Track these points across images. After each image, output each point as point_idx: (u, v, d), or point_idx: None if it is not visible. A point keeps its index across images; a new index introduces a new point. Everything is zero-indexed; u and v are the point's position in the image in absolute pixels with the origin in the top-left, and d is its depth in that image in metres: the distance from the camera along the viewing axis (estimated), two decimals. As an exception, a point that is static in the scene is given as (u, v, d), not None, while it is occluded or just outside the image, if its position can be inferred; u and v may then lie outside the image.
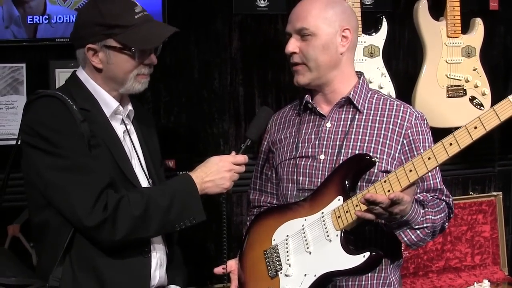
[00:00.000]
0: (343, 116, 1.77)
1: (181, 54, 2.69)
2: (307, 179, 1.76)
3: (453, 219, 2.74)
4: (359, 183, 1.65)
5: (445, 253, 2.92)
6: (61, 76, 2.49)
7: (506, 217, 3.07)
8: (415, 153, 1.71)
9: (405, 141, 1.73)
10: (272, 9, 2.74)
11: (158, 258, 1.70)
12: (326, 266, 1.58)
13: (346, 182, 1.59)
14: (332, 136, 1.76)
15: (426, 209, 1.66)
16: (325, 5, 1.73)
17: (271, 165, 1.91)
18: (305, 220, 1.66)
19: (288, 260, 1.67)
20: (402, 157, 1.73)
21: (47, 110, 1.59)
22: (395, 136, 1.72)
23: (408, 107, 1.78)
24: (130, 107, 1.76)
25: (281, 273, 1.67)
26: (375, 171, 1.68)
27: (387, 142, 1.72)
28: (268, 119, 1.85)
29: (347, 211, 1.57)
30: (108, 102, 1.68)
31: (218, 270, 1.82)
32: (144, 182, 1.72)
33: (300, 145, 1.79)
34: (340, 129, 1.76)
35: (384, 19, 2.62)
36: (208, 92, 2.75)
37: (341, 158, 1.71)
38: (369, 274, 1.71)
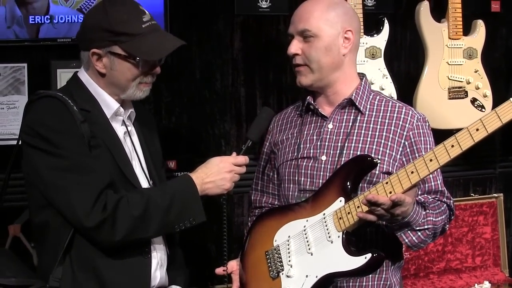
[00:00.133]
0: (345, 117, 1.77)
1: (182, 55, 2.69)
2: (309, 180, 1.76)
3: (454, 220, 2.74)
4: (360, 184, 1.65)
5: (446, 255, 2.92)
6: (63, 76, 2.49)
7: (507, 219, 3.07)
8: (417, 154, 1.71)
9: (406, 143, 1.73)
10: (274, 10, 2.74)
11: (158, 258, 1.70)
12: (328, 267, 1.59)
13: (348, 183, 1.60)
14: (334, 137, 1.76)
15: (427, 211, 1.66)
16: (327, 7, 1.73)
17: (272, 166, 1.91)
18: (307, 221, 1.66)
19: (289, 261, 1.67)
20: (404, 159, 1.73)
21: (48, 110, 1.59)
22: (396, 138, 1.73)
23: (410, 108, 1.78)
24: (131, 108, 1.76)
25: (282, 274, 1.67)
26: (377, 172, 1.68)
27: (389, 143, 1.72)
28: (269, 120, 1.85)
29: (348, 213, 1.57)
30: (109, 103, 1.68)
31: (219, 270, 1.82)
32: (144, 183, 1.72)
33: (302, 146, 1.79)
34: (342, 130, 1.76)
35: (386, 21, 2.62)
36: (210, 92, 2.75)
37: (343, 159, 1.71)
38: (370, 275, 1.71)
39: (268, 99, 2.80)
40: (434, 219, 1.67)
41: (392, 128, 1.74)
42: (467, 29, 2.74)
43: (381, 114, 1.76)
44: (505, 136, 3.07)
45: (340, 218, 1.58)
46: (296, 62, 1.76)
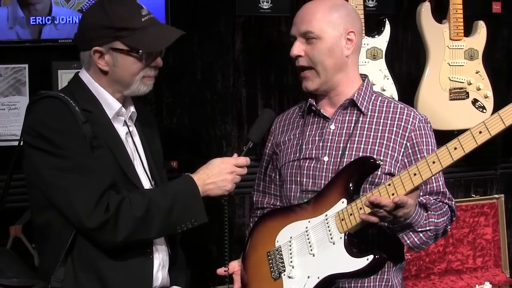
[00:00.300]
0: (347, 118, 1.78)
1: (184, 55, 2.69)
2: (311, 180, 1.76)
3: (455, 221, 2.74)
4: (362, 186, 1.65)
5: (447, 255, 2.92)
6: (64, 77, 2.49)
7: (508, 220, 3.07)
8: (418, 156, 1.72)
9: (408, 144, 1.73)
10: (275, 11, 2.74)
11: (160, 259, 1.70)
12: (330, 268, 1.59)
13: (350, 185, 1.60)
14: (336, 138, 1.76)
15: (429, 212, 1.66)
16: (330, 8, 1.73)
17: (274, 166, 1.91)
18: (309, 222, 1.66)
19: (291, 262, 1.67)
20: (406, 160, 1.73)
21: (49, 111, 1.58)
22: (398, 139, 1.73)
23: (412, 110, 1.78)
24: (132, 108, 1.76)
25: (284, 275, 1.67)
26: (379, 173, 1.68)
27: (391, 144, 1.72)
28: (271, 121, 1.84)
29: (351, 214, 1.57)
30: (110, 103, 1.68)
31: (220, 271, 1.82)
32: (146, 184, 1.72)
33: (304, 147, 1.80)
34: (344, 131, 1.76)
35: (387, 22, 2.62)
36: (211, 93, 2.75)
37: (345, 160, 1.71)
38: (372, 276, 1.71)
39: (269, 100, 2.80)
40: (436, 220, 1.67)
41: (394, 129, 1.74)
42: (468, 30, 2.74)
43: (383, 115, 1.76)
44: (506, 137, 3.07)
45: (342, 220, 1.58)
46: (300, 64, 1.76)
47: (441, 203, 1.73)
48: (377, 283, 1.74)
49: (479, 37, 2.74)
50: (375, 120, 1.76)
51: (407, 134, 1.73)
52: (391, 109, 1.77)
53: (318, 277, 1.60)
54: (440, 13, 2.72)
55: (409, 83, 2.84)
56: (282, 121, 1.93)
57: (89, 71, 1.68)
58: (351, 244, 1.58)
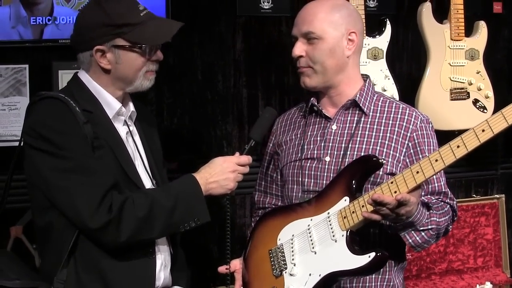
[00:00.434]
0: (348, 118, 1.78)
1: (184, 56, 2.69)
2: (312, 180, 1.76)
3: (456, 221, 2.74)
4: (364, 186, 1.64)
5: (448, 255, 2.92)
6: (64, 77, 2.49)
7: (509, 220, 3.07)
8: (420, 156, 1.72)
9: (410, 144, 1.73)
10: (276, 11, 2.74)
11: (162, 259, 1.70)
12: (331, 266, 1.59)
13: (353, 183, 1.60)
14: (338, 138, 1.76)
15: (431, 211, 1.66)
16: (331, 9, 1.73)
17: (276, 166, 1.92)
18: (311, 220, 1.66)
19: (293, 259, 1.67)
20: (407, 160, 1.73)
21: (50, 111, 1.58)
22: (400, 139, 1.73)
23: (413, 110, 1.78)
24: (132, 108, 1.76)
25: (285, 272, 1.67)
26: (380, 173, 1.68)
27: (393, 144, 1.72)
28: (272, 120, 1.84)
29: (353, 212, 1.57)
30: (110, 103, 1.67)
31: (222, 269, 1.81)
32: (147, 183, 1.71)
33: (305, 147, 1.79)
34: (346, 131, 1.76)
35: (388, 22, 2.62)
36: (212, 94, 2.75)
37: (347, 160, 1.71)
38: (373, 276, 1.71)
39: (270, 100, 2.80)
40: (437, 220, 1.67)
41: (396, 129, 1.74)
42: (469, 30, 2.74)
43: (384, 115, 1.76)
44: (507, 137, 3.07)
45: (344, 217, 1.58)
46: (300, 65, 1.76)
47: (442, 203, 1.73)
48: (378, 283, 1.74)
49: (480, 37, 2.74)
50: (377, 120, 1.76)
51: (409, 134, 1.73)
52: (393, 109, 1.77)
53: (320, 275, 1.60)
54: (441, 13, 2.72)
55: (410, 83, 2.84)
56: (283, 121, 1.93)
57: (89, 71, 1.67)
58: (353, 242, 1.58)
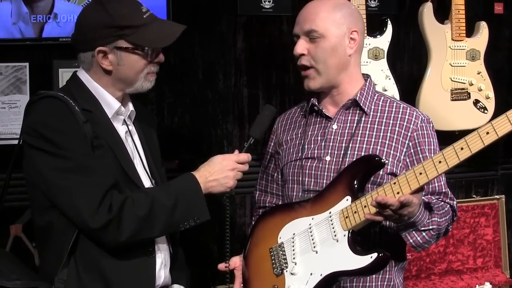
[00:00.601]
0: (349, 118, 1.77)
1: (185, 55, 2.69)
2: (313, 180, 1.76)
3: (456, 222, 2.74)
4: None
5: (448, 256, 2.92)
6: (65, 75, 2.49)
7: (509, 220, 3.07)
8: (420, 155, 1.72)
9: (410, 144, 1.73)
10: (277, 10, 2.74)
11: (162, 258, 1.70)
12: (333, 265, 1.58)
13: (355, 183, 1.59)
14: (338, 138, 1.76)
15: (432, 211, 1.66)
16: (333, 7, 1.73)
17: (276, 166, 1.91)
18: (312, 219, 1.65)
19: (294, 258, 1.66)
20: (407, 160, 1.73)
21: (50, 111, 1.58)
22: (401, 139, 1.73)
23: (414, 109, 1.78)
24: (131, 107, 1.75)
25: (286, 271, 1.67)
26: (381, 173, 1.68)
27: (393, 144, 1.72)
28: (272, 118, 1.84)
29: (355, 212, 1.57)
30: (109, 102, 1.67)
31: (222, 266, 1.81)
32: (147, 183, 1.71)
33: (306, 146, 1.79)
34: (347, 131, 1.76)
35: (389, 22, 2.62)
36: (212, 93, 2.75)
37: (347, 159, 1.71)
38: (374, 276, 1.71)
39: (271, 100, 2.80)
40: (438, 220, 1.67)
41: (397, 129, 1.73)
42: (470, 31, 2.74)
43: (385, 115, 1.76)
44: (507, 138, 3.06)
45: (346, 217, 1.58)
46: (302, 63, 1.75)
47: (443, 203, 1.73)
48: (379, 283, 1.73)
49: (481, 38, 2.74)
50: (377, 120, 1.75)
51: (409, 133, 1.73)
52: (394, 109, 1.77)
53: (321, 274, 1.60)
54: (442, 13, 2.72)
55: (410, 83, 2.84)
56: (284, 120, 1.93)
57: (90, 71, 1.67)
58: (355, 242, 1.57)
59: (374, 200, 1.50)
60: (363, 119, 1.76)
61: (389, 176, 1.69)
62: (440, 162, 1.47)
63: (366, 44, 2.54)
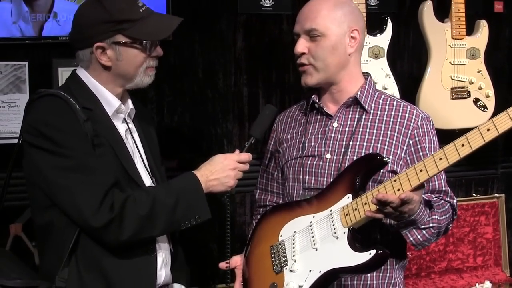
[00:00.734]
0: (350, 116, 1.77)
1: (185, 54, 2.69)
2: (313, 178, 1.76)
3: (456, 220, 2.74)
4: (366, 183, 1.65)
5: (448, 254, 2.92)
6: (65, 74, 2.48)
7: (509, 219, 3.07)
8: (421, 153, 1.72)
9: (411, 142, 1.73)
10: (277, 9, 2.74)
11: (163, 256, 1.70)
12: (332, 262, 1.58)
13: (357, 181, 1.59)
14: (339, 136, 1.76)
15: (432, 209, 1.66)
16: (334, 6, 1.73)
17: (277, 164, 1.91)
18: (313, 217, 1.65)
19: (294, 256, 1.66)
20: (408, 158, 1.73)
21: (50, 109, 1.57)
22: (401, 137, 1.73)
23: (414, 108, 1.78)
24: (131, 105, 1.75)
25: (286, 268, 1.67)
26: (382, 171, 1.68)
27: (394, 142, 1.72)
28: (272, 117, 1.84)
29: (355, 209, 1.57)
30: (110, 100, 1.67)
31: (222, 265, 1.81)
32: (147, 181, 1.71)
33: (306, 144, 1.79)
34: (347, 129, 1.76)
35: (389, 20, 2.62)
36: (212, 92, 2.75)
37: (348, 157, 1.71)
38: (375, 273, 1.71)
39: (271, 99, 2.80)
40: (439, 218, 1.67)
41: (397, 127, 1.73)
42: (470, 29, 2.74)
43: (386, 113, 1.76)
44: (507, 137, 3.05)
45: (347, 215, 1.58)
46: (301, 61, 1.75)
47: (443, 201, 1.73)
48: (380, 281, 1.73)
49: (481, 36, 2.74)
50: (378, 118, 1.75)
51: (409, 132, 1.73)
52: (394, 107, 1.77)
53: (320, 271, 1.60)
54: (442, 12, 2.72)
55: (410, 82, 2.84)
56: (284, 119, 1.93)
57: (89, 69, 1.66)
58: (355, 239, 1.57)
59: (374, 197, 1.50)
60: (363, 117, 1.76)
61: (390, 174, 1.69)
62: (440, 159, 1.47)
63: (366, 42, 2.54)
